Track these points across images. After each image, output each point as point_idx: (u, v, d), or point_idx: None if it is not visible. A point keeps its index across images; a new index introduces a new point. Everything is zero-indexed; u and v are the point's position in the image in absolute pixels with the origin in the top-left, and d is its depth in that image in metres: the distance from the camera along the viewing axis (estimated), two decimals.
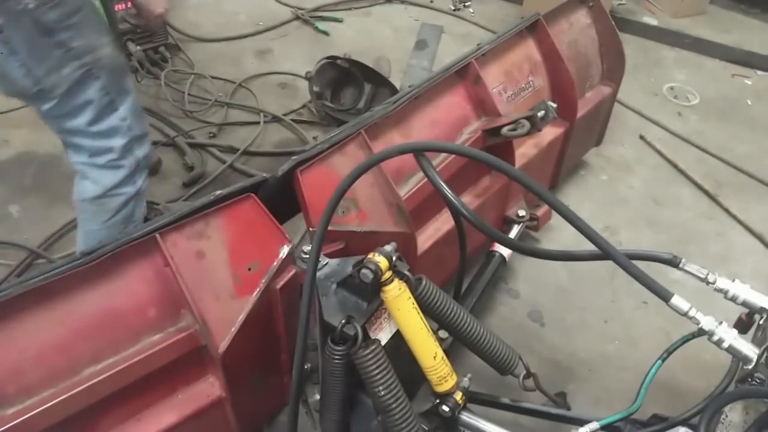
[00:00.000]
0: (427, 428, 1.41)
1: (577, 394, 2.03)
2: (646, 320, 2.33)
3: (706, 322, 1.19)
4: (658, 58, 4.13)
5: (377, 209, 1.79)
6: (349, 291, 1.40)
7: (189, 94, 3.24)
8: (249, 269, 1.53)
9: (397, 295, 1.31)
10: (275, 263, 1.55)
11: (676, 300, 1.18)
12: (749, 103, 3.73)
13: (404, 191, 1.89)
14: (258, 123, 3.15)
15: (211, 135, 3.06)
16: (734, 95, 3.79)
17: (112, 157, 1.72)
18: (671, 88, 3.79)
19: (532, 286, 2.46)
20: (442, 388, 1.41)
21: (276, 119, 3.21)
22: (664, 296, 1.17)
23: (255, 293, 1.53)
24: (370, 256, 1.30)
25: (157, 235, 1.40)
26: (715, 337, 1.19)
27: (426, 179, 1.47)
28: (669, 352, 1.34)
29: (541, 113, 1.89)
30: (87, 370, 1.33)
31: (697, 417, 1.24)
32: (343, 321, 1.31)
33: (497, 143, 2.11)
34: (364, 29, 4.03)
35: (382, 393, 1.30)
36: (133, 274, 1.40)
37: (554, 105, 1.89)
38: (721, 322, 1.20)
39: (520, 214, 2.39)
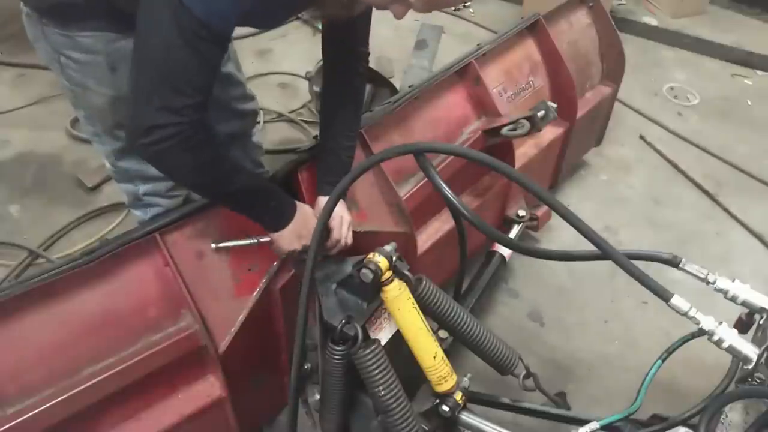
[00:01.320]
0: (427, 428, 1.41)
1: (577, 394, 2.03)
2: (646, 320, 2.33)
3: (706, 322, 1.19)
4: (658, 58, 4.13)
5: (377, 209, 1.79)
6: (349, 291, 1.40)
7: None
8: (249, 269, 1.53)
9: (397, 295, 1.31)
10: (275, 263, 1.55)
11: (676, 300, 1.17)
12: (749, 103, 3.73)
13: (404, 191, 1.89)
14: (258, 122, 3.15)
15: None
16: (734, 95, 3.78)
17: (109, 169, 1.74)
18: (671, 88, 3.79)
19: (532, 286, 2.46)
20: (442, 388, 1.41)
21: (281, 117, 3.20)
22: (664, 296, 1.17)
23: (255, 293, 1.53)
24: (370, 256, 1.30)
25: (157, 235, 1.41)
26: (715, 337, 1.19)
27: (426, 179, 1.47)
28: (669, 352, 1.33)
29: (541, 113, 1.89)
30: (87, 370, 1.33)
31: (697, 417, 1.24)
32: (343, 321, 1.31)
33: (497, 143, 2.11)
34: None
35: (382, 393, 1.30)
36: (133, 274, 1.40)
37: (554, 105, 1.89)
38: (721, 322, 1.20)
39: (520, 214, 2.39)
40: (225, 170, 1.31)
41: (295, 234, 1.44)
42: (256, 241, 1.49)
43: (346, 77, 1.59)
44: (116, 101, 1.51)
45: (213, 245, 1.48)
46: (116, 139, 1.61)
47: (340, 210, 1.54)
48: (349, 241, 1.56)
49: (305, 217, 1.46)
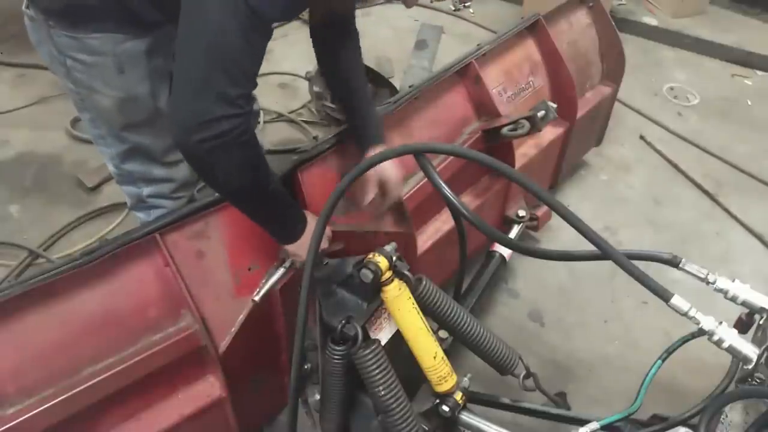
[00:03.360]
0: (427, 428, 1.41)
1: (577, 394, 2.03)
2: (646, 320, 2.33)
3: (706, 322, 1.19)
4: (658, 58, 4.13)
5: None
6: (349, 291, 1.40)
7: None
8: (249, 269, 1.53)
9: (397, 295, 1.31)
10: (275, 264, 1.55)
11: (676, 300, 1.17)
12: (749, 103, 3.73)
13: (404, 191, 1.89)
14: (258, 123, 3.15)
15: None
16: (734, 95, 3.78)
17: (113, 171, 1.74)
18: (671, 88, 3.79)
19: (532, 286, 2.46)
20: (442, 388, 1.41)
21: (281, 117, 3.21)
22: (664, 296, 1.17)
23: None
24: (370, 256, 1.30)
25: (157, 235, 1.40)
26: (715, 337, 1.19)
27: (426, 179, 1.47)
28: (669, 352, 1.33)
29: (541, 113, 1.89)
30: (87, 370, 1.33)
31: (697, 417, 1.24)
32: (343, 321, 1.31)
33: (497, 143, 2.11)
34: (364, 29, 4.00)
35: (382, 393, 1.30)
36: (133, 274, 1.40)
37: (554, 105, 1.89)
38: (721, 322, 1.20)
39: (520, 214, 2.39)
40: (265, 169, 1.28)
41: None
42: (282, 269, 1.52)
43: (339, 33, 1.60)
44: (124, 102, 1.52)
45: (256, 299, 1.49)
46: (122, 141, 1.61)
47: (388, 166, 1.59)
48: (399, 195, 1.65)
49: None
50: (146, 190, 1.72)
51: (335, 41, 1.59)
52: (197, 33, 1.12)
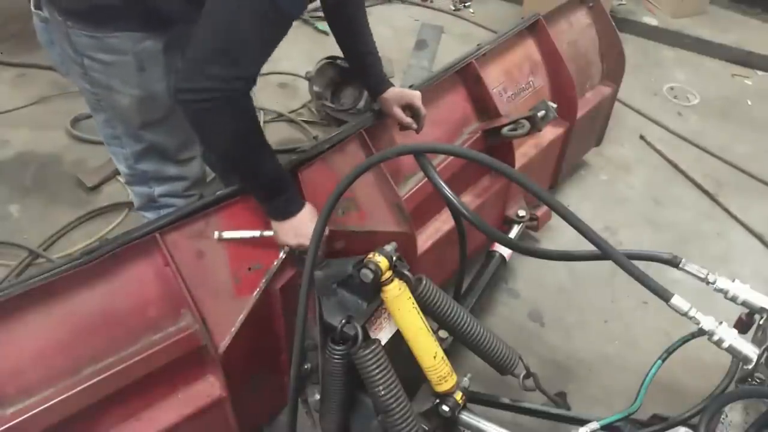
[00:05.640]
0: (427, 428, 1.40)
1: (577, 394, 2.03)
2: (646, 320, 2.33)
3: (706, 322, 1.19)
4: (658, 58, 4.13)
5: (377, 209, 1.79)
6: (349, 291, 1.40)
7: None
8: (249, 269, 1.53)
9: (397, 295, 1.31)
10: (275, 263, 1.55)
11: (676, 300, 1.17)
12: (749, 103, 3.73)
13: (404, 191, 1.89)
14: None
15: None
16: (734, 95, 3.79)
17: (125, 172, 1.73)
18: (671, 88, 3.79)
19: (532, 286, 2.46)
20: (442, 387, 1.41)
21: (281, 117, 3.21)
22: (664, 296, 1.17)
23: (255, 293, 1.53)
24: (370, 256, 1.30)
25: (157, 235, 1.41)
26: (715, 337, 1.19)
27: (426, 179, 1.47)
28: (669, 352, 1.34)
29: (541, 113, 1.90)
30: (87, 370, 1.33)
31: (697, 417, 1.24)
32: (343, 321, 1.31)
33: (497, 143, 2.11)
34: None
35: (382, 393, 1.30)
36: (133, 274, 1.40)
37: (554, 105, 1.89)
38: (721, 322, 1.20)
39: (520, 214, 2.39)
40: (256, 140, 1.34)
41: (293, 231, 1.45)
42: (259, 234, 1.50)
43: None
44: (142, 101, 1.52)
45: (216, 234, 1.48)
46: (138, 140, 1.62)
47: (406, 91, 1.81)
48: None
49: (308, 217, 1.46)
50: (158, 190, 1.72)
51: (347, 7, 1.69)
52: (218, 11, 1.19)
